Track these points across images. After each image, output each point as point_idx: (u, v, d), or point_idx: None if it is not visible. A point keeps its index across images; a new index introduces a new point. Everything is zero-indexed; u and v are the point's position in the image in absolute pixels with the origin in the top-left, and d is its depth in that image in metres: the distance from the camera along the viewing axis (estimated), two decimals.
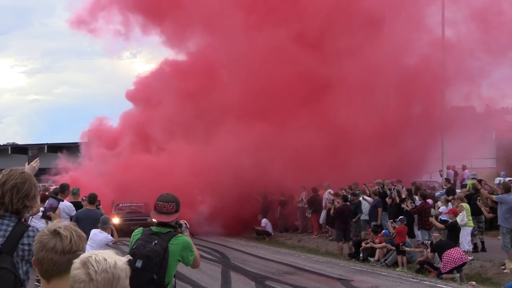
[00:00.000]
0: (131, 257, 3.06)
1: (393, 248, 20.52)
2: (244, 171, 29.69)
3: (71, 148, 58.14)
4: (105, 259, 2.86)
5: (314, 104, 31.44)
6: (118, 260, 2.88)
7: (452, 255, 16.88)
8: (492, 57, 31.49)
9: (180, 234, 6.34)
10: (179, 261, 6.27)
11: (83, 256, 2.90)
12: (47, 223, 7.66)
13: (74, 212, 14.51)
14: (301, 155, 30.26)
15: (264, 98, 31.19)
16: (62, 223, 3.29)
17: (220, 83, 33.13)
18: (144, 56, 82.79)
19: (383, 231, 21.81)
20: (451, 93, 32.48)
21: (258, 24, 31.90)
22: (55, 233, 3.21)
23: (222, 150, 30.76)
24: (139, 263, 6.01)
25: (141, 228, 6.48)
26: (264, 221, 30.96)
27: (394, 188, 23.72)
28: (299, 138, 30.19)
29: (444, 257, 16.90)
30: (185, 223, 6.62)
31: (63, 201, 14.61)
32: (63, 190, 15.28)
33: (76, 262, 2.88)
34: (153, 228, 6.34)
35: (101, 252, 2.91)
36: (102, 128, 42.08)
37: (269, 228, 30.68)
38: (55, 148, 59.94)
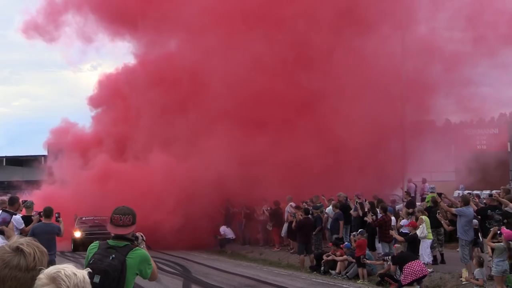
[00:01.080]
0: (90, 270, 3.04)
1: (354, 260, 20.64)
2: (227, 183, 29.21)
3: (31, 161, 57.55)
4: (75, 274, 2.83)
5: (305, 115, 31.09)
6: (84, 273, 2.87)
7: (413, 267, 17.00)
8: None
9: (137, 247, 6.27)
10: (137, 274, 6.21)
11: (48, 271, 2.85)
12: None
13: (22, 226, 14.34)
14: (291, 166, 29.77)
15: (251, 108, 30.61)
16: (23, 239, 3.23)
17: (205, 91, 31.79)
18: (106, 68, 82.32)
19: (345, 243, 21.94)
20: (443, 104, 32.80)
21: (242, 34, 31.15)
22: (18, 250, 3.14)
23: (205, 161, 30.00)
24: (96, 279, 5.91)
25: (97, 241, 6.38)
26: (222, 228, 30.85)
27: (357, 202, 23.86)
28: (289, 149, 29.80)
29: (405, 269, 17.02)
30: (142, 236, 6.57)
31: (15, 214, 14.42)
32: (12, 203, 15.04)
33: (43, 278, 2.83)
34: (110, 242, 6.26)
35: (66, 267, 2.87)
36: (71, 133, 40.00)
37: (229, 234, 30.58)
38: (14, 161, 59.21)
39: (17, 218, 14.47)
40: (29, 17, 37.59)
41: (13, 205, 14.97)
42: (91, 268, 5.86)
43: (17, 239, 3.24)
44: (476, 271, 16.10)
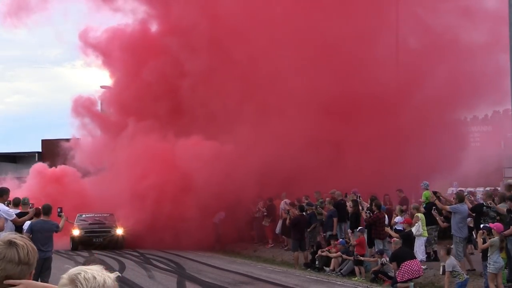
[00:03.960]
0: (119, 274, 3.04)
1: (349, 258, 20.67)
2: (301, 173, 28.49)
3: (25, 158, 57.33)
4: (95, 277, 2.84)
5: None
6: (107, 278, 2.87)
7: (412, 266, 16.99)
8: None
9: None
10: None
11: (72, 271, 2.87)
12: None
13: (13, 217, 14.35)
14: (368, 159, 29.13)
15: (333, 96, 29.49)
16: (16, 235, 3.26)
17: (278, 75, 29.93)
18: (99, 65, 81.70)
19: (340, 240, 21.96)
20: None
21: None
22: (11, 243, 3.17)
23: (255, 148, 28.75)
24: None
25: None
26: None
27: (359, 197, 23.73)
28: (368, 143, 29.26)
29: (403, 267, 17.01)
30: None
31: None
32: (1, 194, 15.04)
33: (64, 278, 2.86)
34: None
35: (90, 269, 2.88)
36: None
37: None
38: (7, 158, 58.95)
39: (5, 208, 14.46)
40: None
41: (2, 196, 14.99)
42: None
43: (8, 234, 3.27)
44: (447, 263, 15.81)
